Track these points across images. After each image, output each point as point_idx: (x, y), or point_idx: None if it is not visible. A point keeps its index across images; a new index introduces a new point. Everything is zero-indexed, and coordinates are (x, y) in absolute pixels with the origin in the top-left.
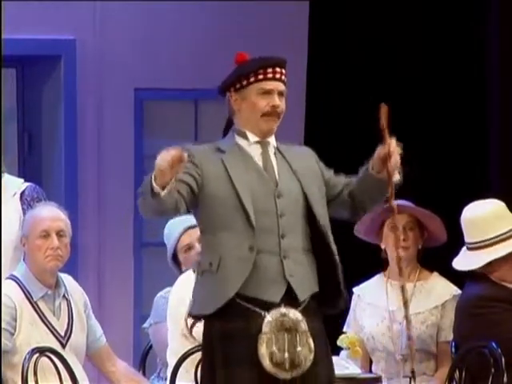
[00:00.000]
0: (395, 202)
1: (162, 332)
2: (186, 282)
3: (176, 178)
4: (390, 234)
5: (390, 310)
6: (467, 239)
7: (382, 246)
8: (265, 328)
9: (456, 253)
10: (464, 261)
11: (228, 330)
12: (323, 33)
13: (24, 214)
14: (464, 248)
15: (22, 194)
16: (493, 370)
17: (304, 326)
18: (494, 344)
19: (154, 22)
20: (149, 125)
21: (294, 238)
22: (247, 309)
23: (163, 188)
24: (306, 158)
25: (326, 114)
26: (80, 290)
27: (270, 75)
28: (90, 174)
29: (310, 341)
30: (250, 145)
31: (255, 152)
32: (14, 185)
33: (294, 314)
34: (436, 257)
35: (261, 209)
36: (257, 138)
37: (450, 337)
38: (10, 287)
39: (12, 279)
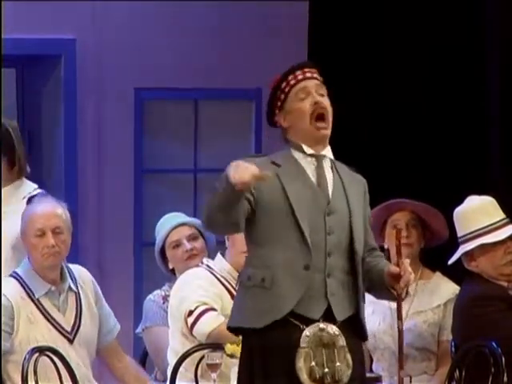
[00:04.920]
0: (395, 200)
1: (155, 336)
2: (187, 281)
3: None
4: (392, 232)
5: (391, 308)
6: (458, 234)
7: (385, 246)
8: (303, 343)
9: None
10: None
11: (267, 341)
12: (323, 33)
13: None
14: None
15: (31, 198)
16: (493, 370)
17: (342, 341)
18: (493, 343)
19: (154, 22)
20: (149, 124)
21: (338, 258)
22: (287, 321)
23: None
24: (357, 186)
25: None
26: (91, 280)
27: (300, 76)
28: (89, 173)
29: (348, 356)
30: (306, 157)
31: (310, 166)
32: (27, 189)
33: (332, 329)
34: (437, 256)
35: (312, 225)
36: (312, 151)
37: (452, 336)
38: (8, 285)
39: (13, 277)
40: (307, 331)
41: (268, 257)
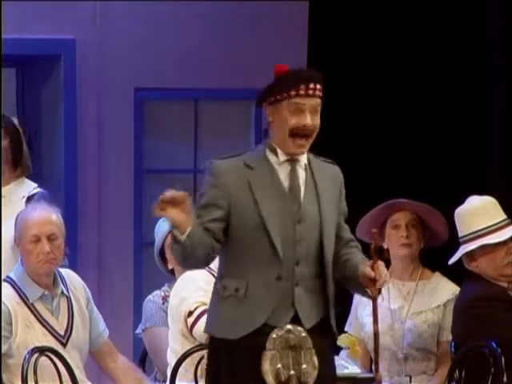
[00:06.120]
0: (395, 200)
1: (154, 336)
2: (187, 282)
3: (197, 219)
4: (392, 232)
5: (391, 308)
6: (459, 234)
7: (385, 246)
8: (269, 345)
9: (456, 252)
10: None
11: (234, 342)
12: (323, 33)
13: None
14: None
15: (30, 198)
16: (492, 370)
17: (309, 342)
18: (493, 344)
19: (154, 22)
20: (149, 124)
21: (306, 265)
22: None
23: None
24: (332, 183)
25: (325, 114)
26: (82, 284)
27: (302, 92)
28: (89, 173)
29: (315, 358)
30: (280, 164)
31: (283, 171)
32: (27, 188)
33: (299, 331)
34: (437, 256)
35: (281, 234)
36: (286, 157)
37: (451, 336)
38: (4, 290)
39: (7, 282)
40: (274, 333)
41: (241, 267)
